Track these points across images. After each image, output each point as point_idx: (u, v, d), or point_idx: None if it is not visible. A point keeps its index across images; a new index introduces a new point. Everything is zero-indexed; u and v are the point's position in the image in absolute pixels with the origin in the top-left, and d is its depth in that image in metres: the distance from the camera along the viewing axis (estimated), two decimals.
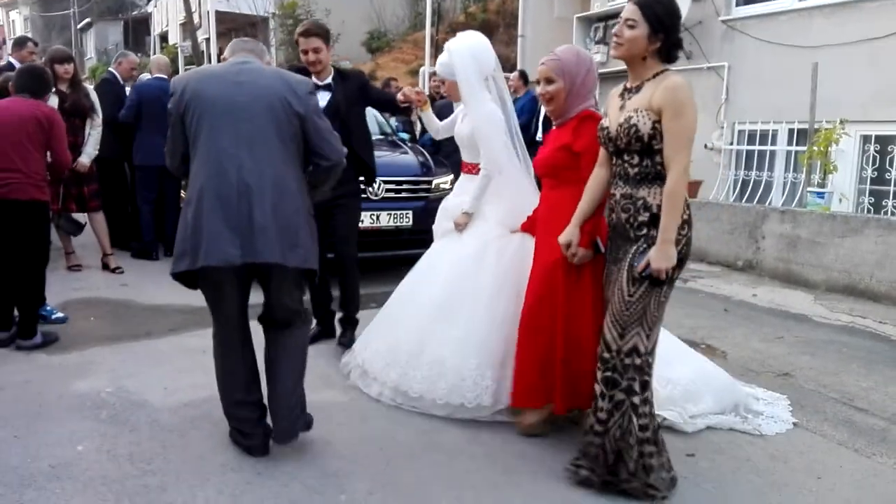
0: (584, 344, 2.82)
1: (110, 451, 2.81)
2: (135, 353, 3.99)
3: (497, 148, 3.38)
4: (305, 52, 3.85)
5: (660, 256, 2.40)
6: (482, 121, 3.40)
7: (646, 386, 2.53)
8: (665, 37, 2.44)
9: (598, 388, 2.57)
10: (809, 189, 6.32)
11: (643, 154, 2.47)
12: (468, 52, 3.43)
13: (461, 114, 3.66)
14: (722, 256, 6.77)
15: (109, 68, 7.20)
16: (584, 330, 2.82)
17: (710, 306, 5.46)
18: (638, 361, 2.49)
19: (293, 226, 2.62)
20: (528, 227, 3.26)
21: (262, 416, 2.83)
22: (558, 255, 2.84)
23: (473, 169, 3.53)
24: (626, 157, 2.52)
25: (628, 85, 2.58)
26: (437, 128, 3.97)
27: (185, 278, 2.67)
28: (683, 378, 3.28)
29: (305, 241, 2.66)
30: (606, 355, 2.54)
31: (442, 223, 3.65)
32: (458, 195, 3.62)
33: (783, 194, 7.17)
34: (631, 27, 2.44)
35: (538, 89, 3.03)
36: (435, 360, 3.18)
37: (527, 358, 2.96)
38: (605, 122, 2.61)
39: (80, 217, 5.79)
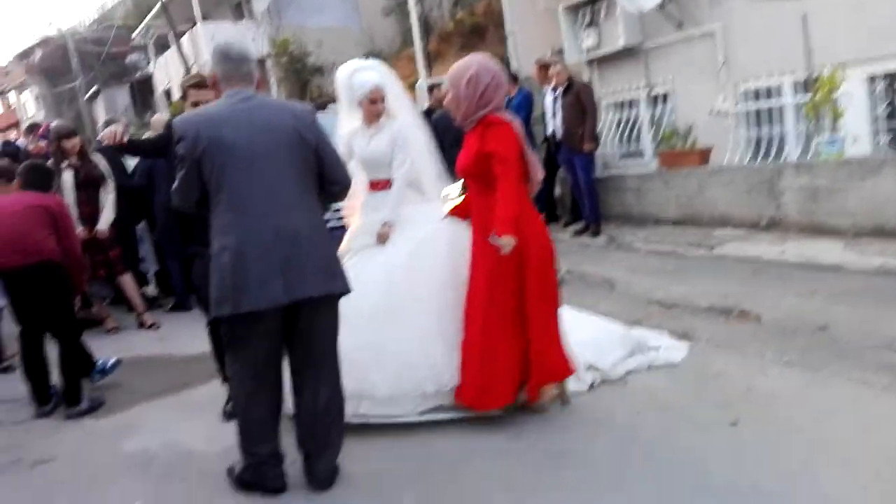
0: (538, 323, 3.11)
1: None
2: (177, 404, 4.09)
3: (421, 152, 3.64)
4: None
5: None
6: (409, 129, 3.63)
7: None
8: None
9: None
10: (819, 139, 6.22)
11: None
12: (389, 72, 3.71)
13: (368, 136, 3.60)
14: (745, 218, 6.67)
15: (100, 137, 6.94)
16: (534, 313, 3.09)
17: (738, 270, 5.39)
18: None
19: (328, 256, 2.76)
20: (457, 211, 3.44)
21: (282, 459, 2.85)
22: (497, 256, 2.99)
23: (387, 185, 3.57)
24: None
25: None
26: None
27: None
28: (587, 338, 3.61)
29: (340, 266, 2.81)
30: None
31: (358, 240, 3.59)
32: (371, 212, 3.58)
33: (799, 147, 7.05)
34: None
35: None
36: (399, 358, 3.22)
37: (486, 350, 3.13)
38: None
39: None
